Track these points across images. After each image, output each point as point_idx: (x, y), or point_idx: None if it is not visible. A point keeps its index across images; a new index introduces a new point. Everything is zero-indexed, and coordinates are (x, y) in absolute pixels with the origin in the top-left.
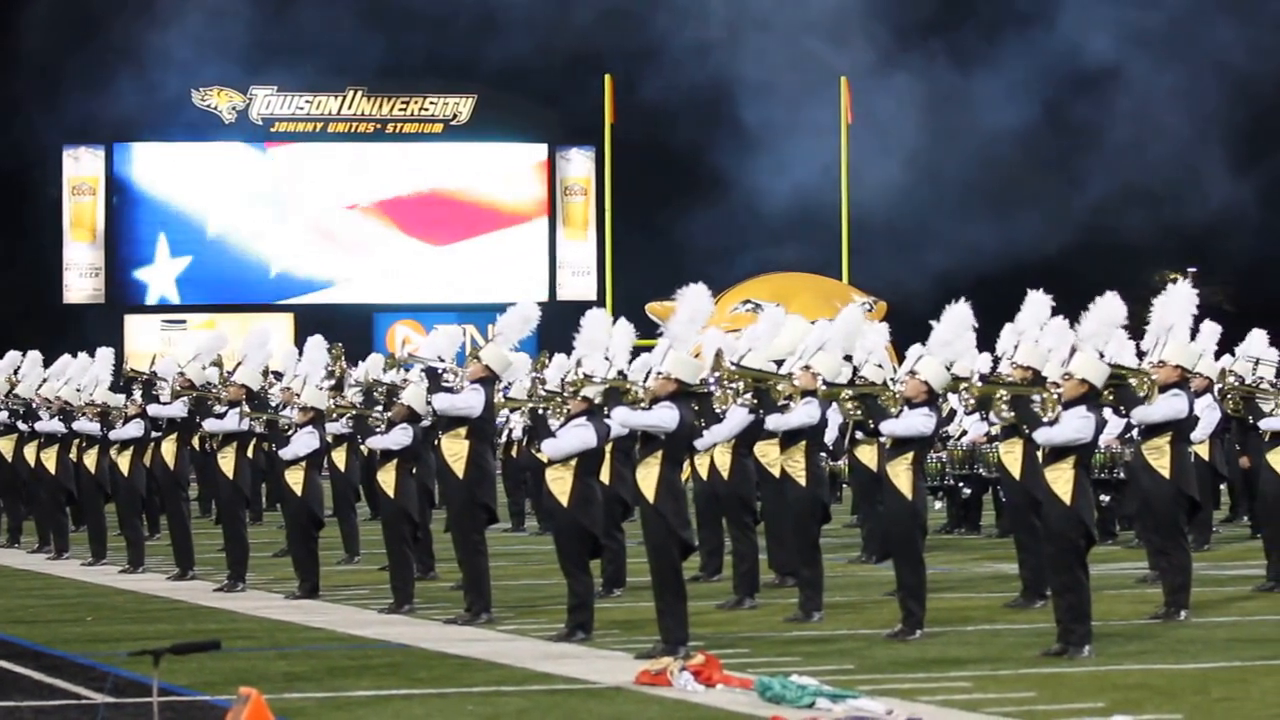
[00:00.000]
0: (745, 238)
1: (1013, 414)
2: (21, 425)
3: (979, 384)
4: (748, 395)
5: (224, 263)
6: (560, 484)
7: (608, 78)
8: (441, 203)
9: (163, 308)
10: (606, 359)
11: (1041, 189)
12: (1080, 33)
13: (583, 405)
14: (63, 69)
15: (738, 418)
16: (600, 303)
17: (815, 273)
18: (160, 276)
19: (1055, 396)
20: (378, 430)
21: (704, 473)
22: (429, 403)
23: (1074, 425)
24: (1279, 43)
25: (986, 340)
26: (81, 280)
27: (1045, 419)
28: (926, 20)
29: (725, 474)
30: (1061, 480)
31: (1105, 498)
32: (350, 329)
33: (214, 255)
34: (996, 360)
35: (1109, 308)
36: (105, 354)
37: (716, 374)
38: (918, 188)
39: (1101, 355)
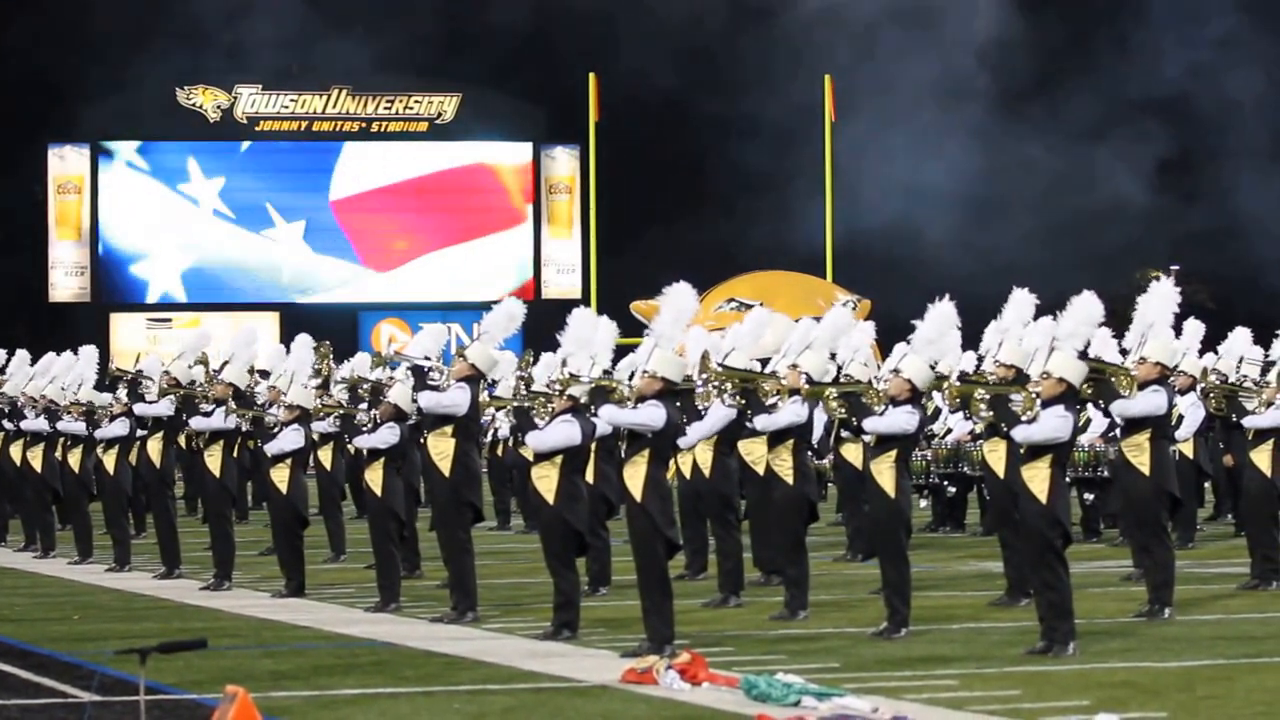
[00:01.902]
0: (729, 236)
1: (991, 413)
2: (7, 424)
3: (958, 383)
4: (735, 395)
5: (209, 262)
6: (546, 482)
7: (592, 76)
8: (426, 202)
9: (148, 306)
10: (591, 358)
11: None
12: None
13: (568, 404)
14: (47, 67)
15: (719, 414)
16: (585, 301)
17: (799, 270)
18: (144, 275)
19: (1034, 395)
20: (364, 429)
21: (686, 471)
22: (414, 401)
23: (1052, 424)
24: None
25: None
26: (67, 279)
27: (1024, 418)
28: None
29: (707, 472)
30: (1038, 479)
31: (1089, 496)
32: (336, 328)
33: (199, 254)
34: (980, 359)
35: (1087, 307)
36: (89, 352)
37: (704, 375)
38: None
39: (1084, 354)
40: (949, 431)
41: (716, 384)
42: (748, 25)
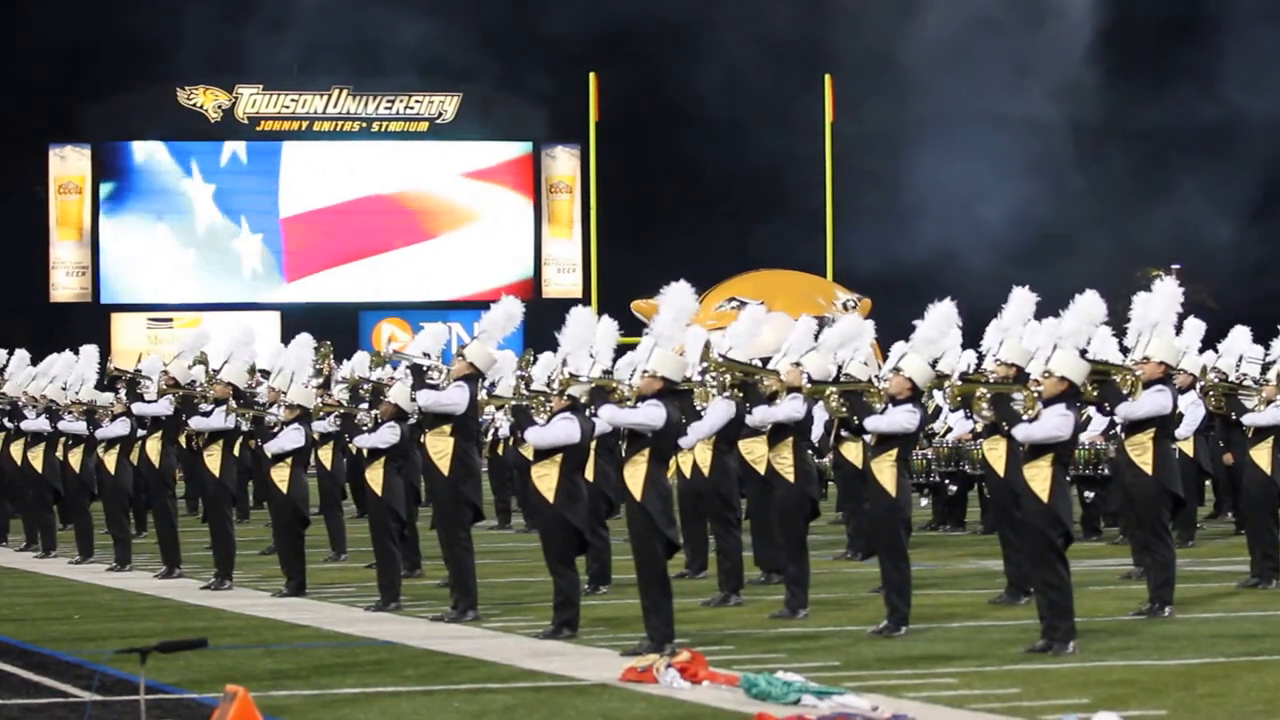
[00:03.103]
0: (730, 235)
1: (992, 412)
2: (8, 424)
3: (959, 382)
4: (734, 389)
5: (210, 261)
6: (546, 481)
7: (592, 76)
8: (427, 201)
9: (149, 306)
10: (591, 357)
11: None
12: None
13: (567, 403)
14: (48, 68)
15: (718, 412)
16: (585, 300)
17: (799, 269)
18: (147, 275)
19: (1035, 394)
20: (365, 429)
21: (686, 470)
22: (413, 399)
23: (1053, 423)
24: None
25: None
26: (68, 279)
27: (1026, 416)
28: None
29: (706, 471)
30: (1039, 478)
31: (1090, 494)
32: (336, 327)
33: (200, 253)
34: (981, 357)
35: (1089, 306)
36: (90, 352)
37: (704, 365)
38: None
39: (1084, 353)
40: (949, 430)
41: (716, 375)
42: (752, 23)
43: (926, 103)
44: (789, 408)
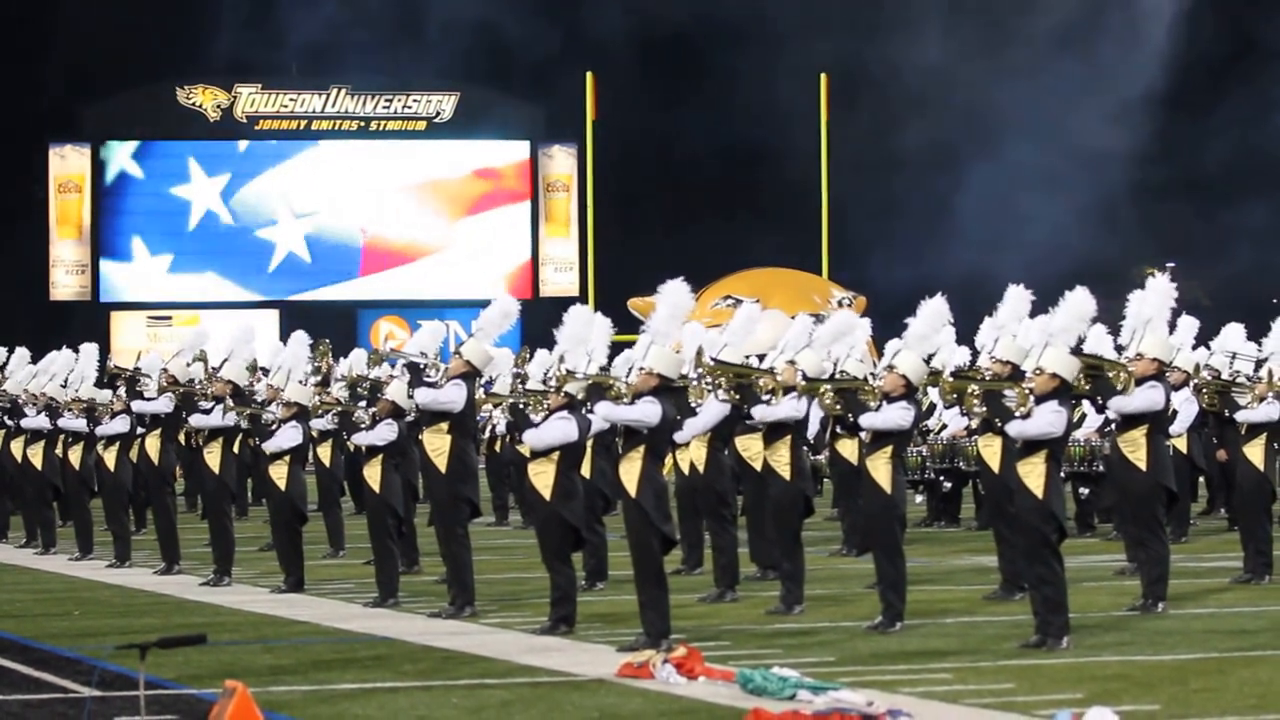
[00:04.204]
0: (726, 234)
1: (985, 409)
2: (8, 421)
3: (950, 379)
4: (730, 390)
5: (209, 260)
6: (543, 478)
7: (590, 75)
8: (424, 200)
9: (149, 304)
10: (587, 354)
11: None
12: None
13: (563, 400)
14: (47, 67)
15: (713, 410)
16: (582, 299)
17: (795, 268)
18: (146, 273)
19: (1027, 391)
20: (363, 426)
21: (685, 468)
22: (411, 397)
23: (1046, 419)
24: None
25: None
26: (68, 277)
27: (1018, 413)
28: None
29: (701, 468)
30: (1033, 474)
31: (1084, 491)
32: (335, 325)
33: (199, 252)
34: (975, 354)
35: (1079, 302)
36: (90, 350)
37: (699, 370)
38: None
39: (1077, 350)
40: (944, 427)
41: (710, 379)
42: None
43: (976, 121)
44: (789, 406)
